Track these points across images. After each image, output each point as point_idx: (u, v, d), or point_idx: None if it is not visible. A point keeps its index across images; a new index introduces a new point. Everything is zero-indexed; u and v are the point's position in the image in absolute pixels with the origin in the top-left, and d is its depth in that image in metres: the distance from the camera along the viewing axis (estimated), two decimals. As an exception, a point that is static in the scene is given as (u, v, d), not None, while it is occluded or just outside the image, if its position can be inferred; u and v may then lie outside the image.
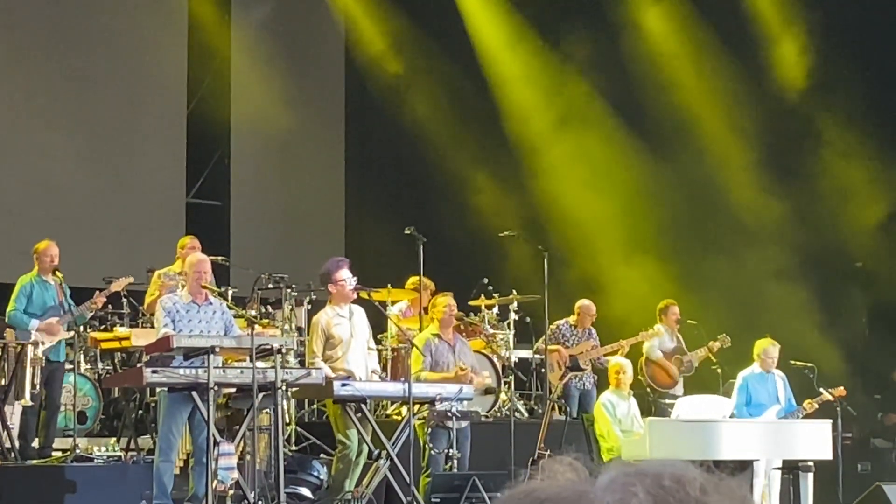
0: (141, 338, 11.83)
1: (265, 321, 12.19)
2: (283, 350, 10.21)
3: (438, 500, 10.66)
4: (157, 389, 10.46)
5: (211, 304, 10.35)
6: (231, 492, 9.73)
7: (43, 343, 11.58)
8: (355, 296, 11.27)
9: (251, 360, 9.67)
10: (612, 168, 16.90)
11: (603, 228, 16.93)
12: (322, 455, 12.02)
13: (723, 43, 16.66)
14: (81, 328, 12.29)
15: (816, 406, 13.13)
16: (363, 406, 10.77)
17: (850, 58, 16.35)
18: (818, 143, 16.56)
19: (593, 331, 14.26)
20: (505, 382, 13.34)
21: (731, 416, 12.64)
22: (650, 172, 16.77)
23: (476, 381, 11.79)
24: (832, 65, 16.45)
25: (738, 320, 14.90)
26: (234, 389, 10.18)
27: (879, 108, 16.36)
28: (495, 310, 14.16)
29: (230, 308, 10.79)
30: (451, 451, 10.95)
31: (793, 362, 13.63)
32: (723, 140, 16.92)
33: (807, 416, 12.97)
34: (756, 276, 16.13)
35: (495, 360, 13.24)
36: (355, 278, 11.20)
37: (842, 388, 13.38)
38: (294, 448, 12.48)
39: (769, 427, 12.59)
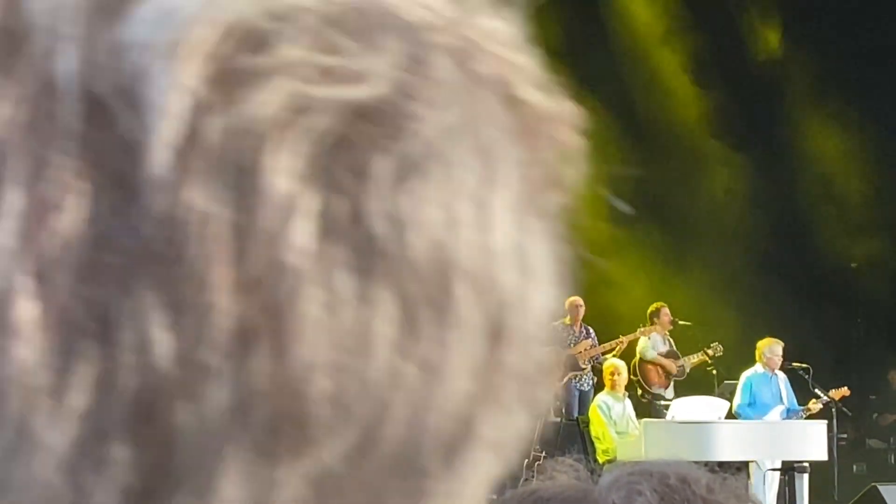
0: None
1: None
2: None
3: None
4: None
5: None
6: None
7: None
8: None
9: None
10: (600, 158, 16.84)
11: (592, 222, 16.87)
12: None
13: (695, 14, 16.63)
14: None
15: (821, 406, 13.14)
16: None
17: (816, 26, 16.33)
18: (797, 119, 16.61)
19: (591, 330, 14.23)
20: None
21: (734, 417, 12.65)
22: (636, 160, 16.75)
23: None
24: (799, 33, 16.43)
25: (732, 320, 14.88)
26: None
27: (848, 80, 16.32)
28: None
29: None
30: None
31: (788, 363, 13.63)
32: (702, 124, 16.92)
33: (810, 417, 12.98)
34: (747, 272, 16.12)
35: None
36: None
37: (845, 388, 13.39)
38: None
39: (764, 428, 12.58)
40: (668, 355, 14.41)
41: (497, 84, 0.45)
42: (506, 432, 0.45)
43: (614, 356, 13.65)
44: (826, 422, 12.63)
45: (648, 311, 14.47)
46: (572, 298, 14.26)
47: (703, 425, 12.09)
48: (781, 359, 13.21)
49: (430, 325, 0.42)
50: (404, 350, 0.41)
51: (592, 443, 12.59)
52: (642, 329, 14.20)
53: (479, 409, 0.43)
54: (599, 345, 14.10)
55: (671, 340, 14.59)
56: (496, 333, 0.44)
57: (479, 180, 0.44)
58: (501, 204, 0.44)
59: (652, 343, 14.39)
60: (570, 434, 12.41)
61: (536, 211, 0.46)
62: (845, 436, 14.52)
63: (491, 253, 0.43)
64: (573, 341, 14.07)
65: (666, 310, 14.44)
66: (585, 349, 13.99)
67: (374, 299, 0.41)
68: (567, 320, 14.16)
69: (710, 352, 14.34)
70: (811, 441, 12.19)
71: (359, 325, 0.40)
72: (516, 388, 0.45)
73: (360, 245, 0.41)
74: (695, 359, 14.36)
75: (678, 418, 12.41)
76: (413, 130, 0.42)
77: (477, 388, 0.43)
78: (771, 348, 13.14)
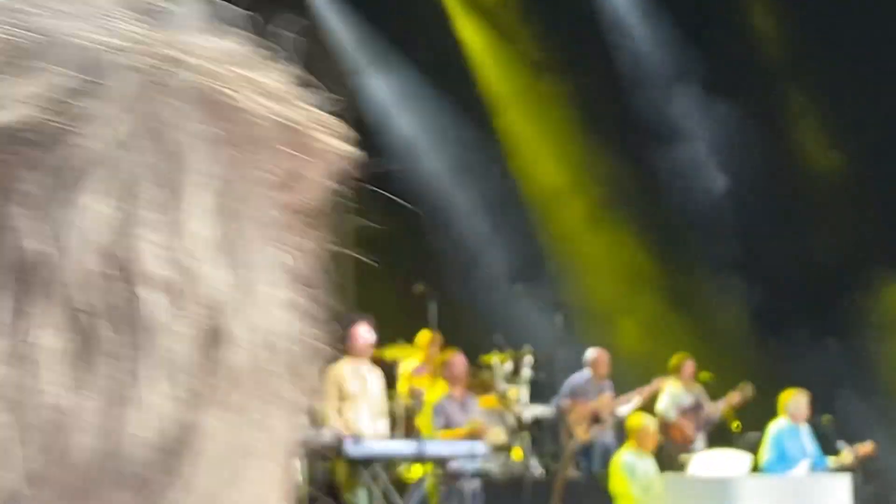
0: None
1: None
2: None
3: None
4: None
5: None
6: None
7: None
8: (370, 352, 11.19)
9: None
10: (615, 207, 16.91)
11: (610, 273, 16.87)
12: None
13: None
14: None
15: (852, 458, 12.91)
16: (375, 465, 10.59)
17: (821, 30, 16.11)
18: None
19: (608, 382, 13.97)
20: (519, 439, 13.08)
21: (761, 472, 12.44)
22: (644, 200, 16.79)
23: (488, 436, 11.60)
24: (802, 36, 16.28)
25: (753, 366, 14.72)
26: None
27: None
28: (508, 365, 13.90)
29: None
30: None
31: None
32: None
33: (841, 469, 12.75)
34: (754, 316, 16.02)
35: (508, 416, 12.99)
36: (373, 336, 11.15)
37: (869, 442, 13.15)
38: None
39: (787, 483, 12.34)
40: (693, 408, 14.07)
41: (194, 93, 0.46)
42: (253, 432, 0.46)
43: (635, 409, 13.37)
44: (850, 474, 12.40)
45: (670, 364, 14.16)
46: (595, 351, 14.06)
47: (725, 480, 11.88)
48: (808, 410, 12.93)
49: (115, 333, 0.43)
50: (83, 359, 0.42)
51: (610, 499, 12.29)
52: (657, 380, 13.99)
53: (197, 413, 0.44)
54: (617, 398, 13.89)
55: (702, 389, 14.26)
56: (210, 334, 0.45)
57: (164, 185, 0.44)
58: (195, 205, 0.45)
59: (673, 400, 14.01)
60: (592, 490, 12.19)
61: (255, 213, 0.47)
62: (872, 489, 14.26)
63: (185, 254, 0.44)
64: (595, 394, 13.82)
65: (689, 362, 14.10)
66: (607, 402, 13.75)
67: (35, 315, 0.42)
68: (589, 372, 13.93)
69: (740, 394, 14.08)
70: (836, 496, 11.96)
71: (19, 345, 0.42)
72: (251, 389, 0.46)
73: (12, 264, 0.42)
74: (725, 404, 14.09)
75: (699, 473, 12.20)
76: (72, 145, 0.43)
77: (189, 392, 0.44)
78: (796, 399, 12.87)
